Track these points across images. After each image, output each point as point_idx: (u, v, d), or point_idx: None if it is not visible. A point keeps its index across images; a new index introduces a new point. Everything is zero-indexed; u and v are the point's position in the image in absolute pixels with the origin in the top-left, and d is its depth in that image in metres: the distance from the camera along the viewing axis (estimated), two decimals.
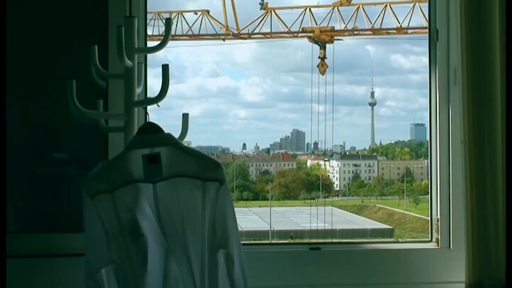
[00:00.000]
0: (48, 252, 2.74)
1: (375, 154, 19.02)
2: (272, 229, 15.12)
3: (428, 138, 3.01)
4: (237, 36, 13.05)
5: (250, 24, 12.82)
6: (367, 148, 19.81)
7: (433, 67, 2.94)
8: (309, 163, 18.93)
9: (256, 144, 19.50)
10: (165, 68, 2.33)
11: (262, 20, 12.61)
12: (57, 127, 2.90)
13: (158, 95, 2.37)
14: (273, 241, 13.76)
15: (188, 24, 13.06)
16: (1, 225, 2.11)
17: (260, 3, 12.70)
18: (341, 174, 18.04)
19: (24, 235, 2.78)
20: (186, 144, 2.24)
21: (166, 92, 2.36)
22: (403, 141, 19.89)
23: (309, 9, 12.54)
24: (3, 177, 2.16)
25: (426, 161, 16.51)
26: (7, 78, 2.33)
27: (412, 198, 17.13)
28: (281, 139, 20.37)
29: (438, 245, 2.90)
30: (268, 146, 19.57)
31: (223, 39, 12.98)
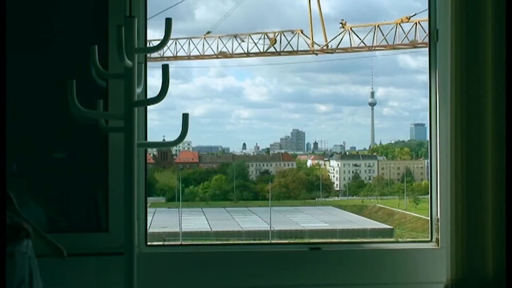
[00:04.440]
0: (48, 252, 2.74)
1: (375, 154, 19.01)
2: (272, 229, 15.11)
3: (428, 138, 3.01)
4: (323, 50, 15.98)
5: (332, 39, 16.01)
6: (367, 148, 19.80)
7: (433, 67, 2.94)
8: (309, 163, 18.92)
9: (256, 144, 19.48)
10: (165, 68, 2.33)
11: (342, 36, 15.76)
12: (57, 127, 2.90)
13: (158, 95, 2.37)
14: (273, 241, 13.75)
15: (287, 40, 15.99)
16: (1, 225, 2.11)
17: (340, 23, 15.67)
18: (341, 174, 18.02)
19: None
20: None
21: (166, 92, 2.36)
22: (403, 141, 19.88)
23: (378, 26, 15.48)
24: (3, 177, 2.16)
25: (426, 161, 16.49)
26: (7, 78, 2.33)
27: (412, 198, 17.12)
28: (281, 139, 20.34)
29: (438, 245, 2.90)
30: (268, 146, 19.55)
31: (316, 54, 16.02)
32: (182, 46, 15.07)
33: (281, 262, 2.87)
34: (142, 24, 2.85)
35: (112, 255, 2.70)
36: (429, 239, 2.97)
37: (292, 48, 15.81)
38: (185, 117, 2.47)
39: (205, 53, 15.28)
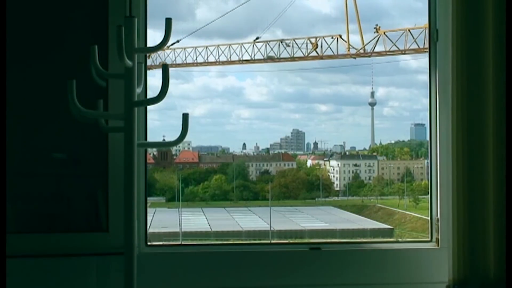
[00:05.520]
0: (48, 252, 2.74)
1: (375, 154, 19.01)
2: (272, 229, 15.11)
3: (428, 138, 3.01)
4: (358, 54, 16.77)
5: (367, 44, 16.84)
6: (367, 148, 19.79)
7: (433, 67, 2.94)
8: (309, 163, 18.92)
9: (256, 144, 19.48)
10: (165, 68, 2.34)
11: (377, 41, 16.61)
12: (57, 127, 2.90)
13: (158, 95, 2.37)
14: (273, 241, 13.75)
15: (328, 44, 16.71)
16: (1, 225, 2.11)
17: (374, 27, 16.37)
18: (341, 174, 18.02)
19: (24, 235, 2.78)
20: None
21: (166, 92, 2.36)
22: (403, 141, 19.88)
23: (409, 30, 16.28)
24: (3, 177, 2.16)
25: (426, 161, 16.49)
26: (7, 78, 2.34)
27: (412, 198, 17.11)
28: (281, 139, 20.33)
29: (438, 245, 2.91)
30: (268, 146, 19.55)
31: (354, 58, 16.71)
32: (200, 53, 15.22)
33: (281, 262, 2.87)
34: (142, 24, 2.85)
35: (112, 255, 2.70)
36: (429, 239, 2.97)
37: (333, 52, 16.62)
38: (185, 117, 2.48)
39: (255, 57, 15.76)
